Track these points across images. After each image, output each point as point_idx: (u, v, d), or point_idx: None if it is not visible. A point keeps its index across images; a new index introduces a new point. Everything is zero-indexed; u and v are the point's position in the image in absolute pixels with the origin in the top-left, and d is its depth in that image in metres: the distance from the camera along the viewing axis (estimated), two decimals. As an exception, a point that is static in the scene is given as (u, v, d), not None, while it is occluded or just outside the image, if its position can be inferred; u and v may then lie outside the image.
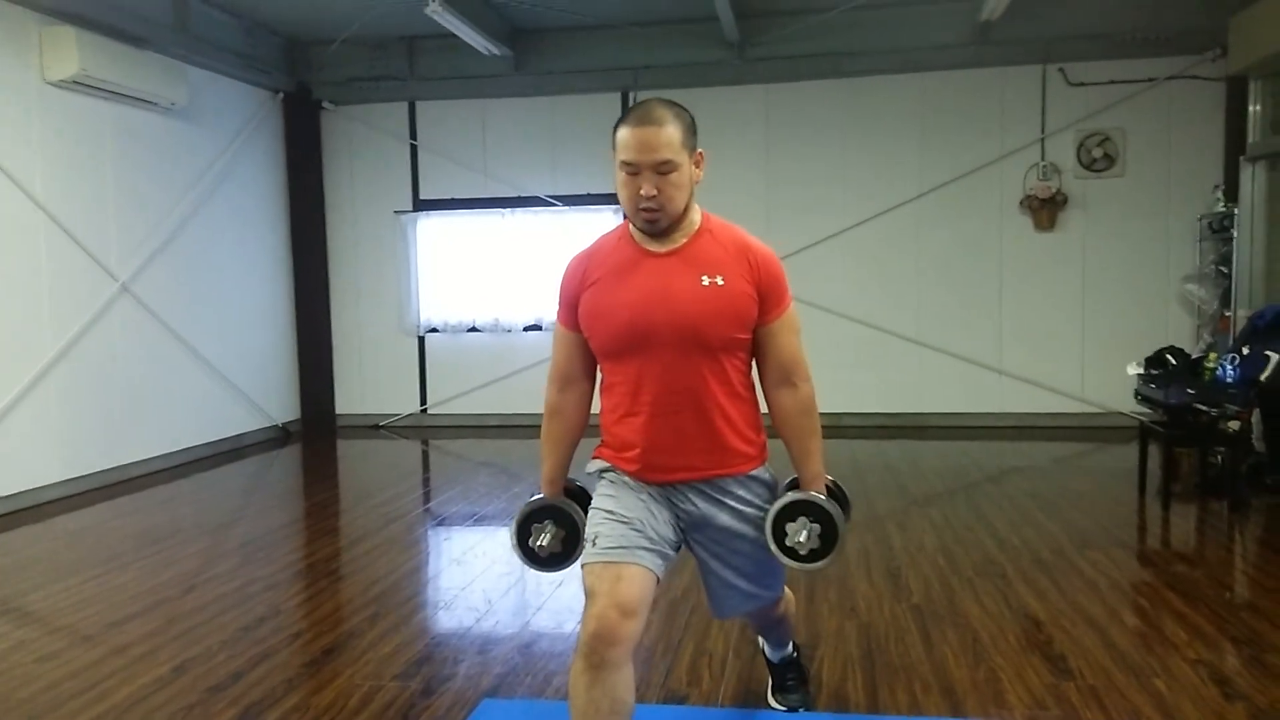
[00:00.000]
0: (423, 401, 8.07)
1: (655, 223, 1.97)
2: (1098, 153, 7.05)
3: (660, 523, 2.02)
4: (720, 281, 1.97)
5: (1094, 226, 7.13)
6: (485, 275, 7.85)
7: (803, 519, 2.04)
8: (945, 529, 4.38)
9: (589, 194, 7.62)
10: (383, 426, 8.00)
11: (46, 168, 5.45)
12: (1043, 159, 7.13)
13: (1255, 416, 5.11)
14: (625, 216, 2.05)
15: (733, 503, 2.07)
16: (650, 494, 2.04)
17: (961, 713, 2.51)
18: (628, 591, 1.87)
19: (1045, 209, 7.09)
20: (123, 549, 4.39)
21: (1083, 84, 7.04)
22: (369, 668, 2.92)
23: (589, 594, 1.90)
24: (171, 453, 6.43)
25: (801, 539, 2.03)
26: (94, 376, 5.80)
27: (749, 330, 2.02)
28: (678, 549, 2.09)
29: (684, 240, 2.02)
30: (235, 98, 7.18)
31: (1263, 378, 4.71)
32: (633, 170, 1.94)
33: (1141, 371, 5.30)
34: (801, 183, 7.42)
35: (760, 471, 2.11)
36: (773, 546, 2.05)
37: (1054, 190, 7.07)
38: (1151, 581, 3.61)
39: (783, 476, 2.19)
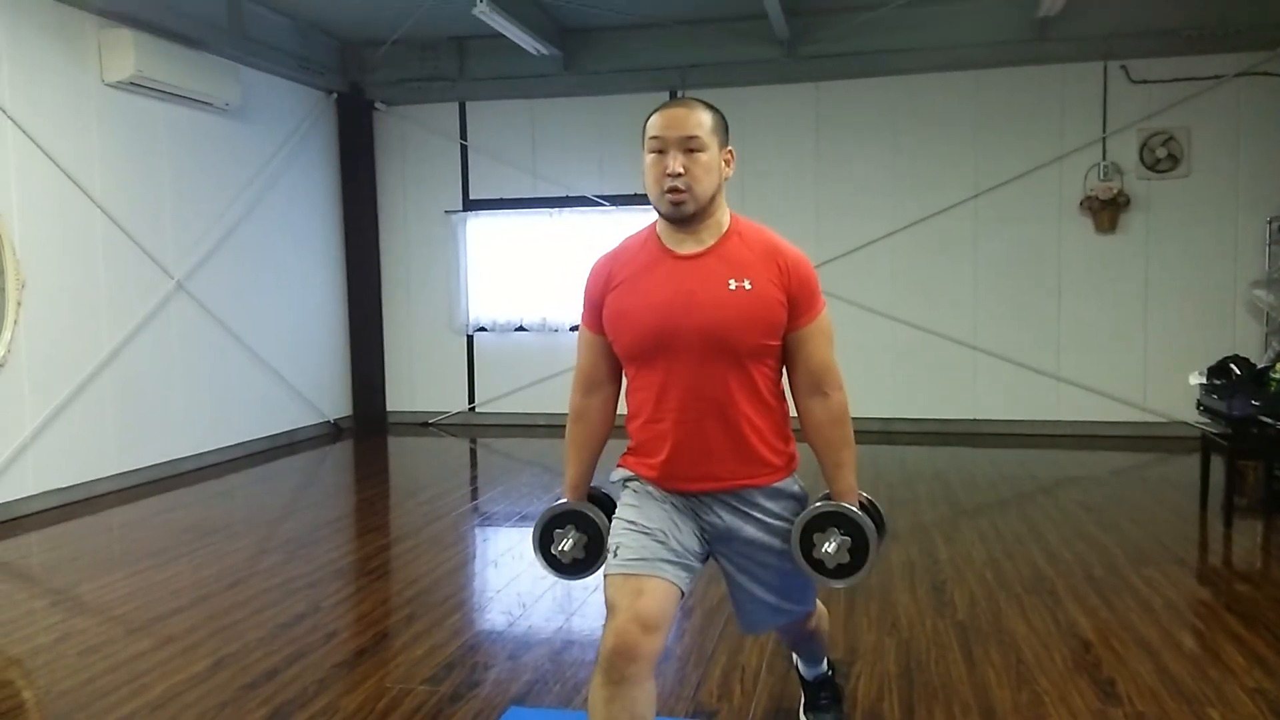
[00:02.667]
0: (471, 400, 8.11)
1: (681, 204, 1.89)
2: (1161, 152, 6.81)
3: (684, 534, 1.98)
4: (748, 285, 1.90)
5: (1157, 229, 6.90)
6: (533, 275, 7.87)
7: (832, 529, 1.97)
8: (995, 541, 4.26)
9: (637, 194, 7.57)
10: (432, 424, 8.06)
11: (104, 167, 5.58)
12: (1104, 159, 6.92)
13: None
14: (653, 206, 1.98)
15: (759, 515, 2.00)
16: (674, 504, 2.00)
17: (1001, 737, 2.43)
18: (648, 606, 1.84)
19: (1106, 210, 6.88)
20: (173, 542, 4.48)
21: (1145, 81, 6.81)
22: (400, 670, 2.92)
23: (610, 607, 1.87)
24: (225, 447, 6.55)
25: (830, 550, 1.95)
26: (149, 372, 5.93)
27: (778, 336, 1.95)
28: (704, 560, 2.04)
29: (712, 242, 1.95)
30: (289, 98, 7.28)
31: (1334, 389, 4.50)
32: (659, 147, 1.90)
33: (1203, 381, 5.10)
34: (852, 183, 7.30)
35: (788, 483, 2.03)
36: (799, 557, 1.99)
37: (1116, 191, 6.85)
38: (1210, 602, 3.46)
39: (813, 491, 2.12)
